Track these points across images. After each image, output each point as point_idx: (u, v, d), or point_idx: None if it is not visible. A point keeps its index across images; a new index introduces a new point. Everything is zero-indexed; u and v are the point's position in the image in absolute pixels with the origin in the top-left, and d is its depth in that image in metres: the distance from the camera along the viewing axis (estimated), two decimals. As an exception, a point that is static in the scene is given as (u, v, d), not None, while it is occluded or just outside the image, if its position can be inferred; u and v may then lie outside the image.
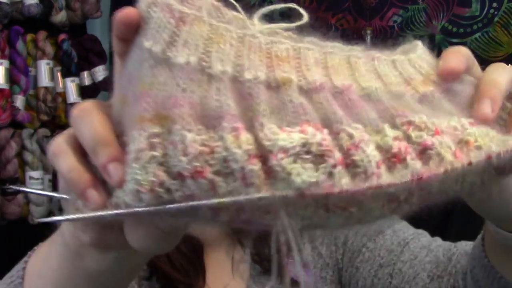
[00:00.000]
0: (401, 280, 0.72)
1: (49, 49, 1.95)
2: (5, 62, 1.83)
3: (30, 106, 1.92)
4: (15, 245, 1.63)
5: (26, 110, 1.90)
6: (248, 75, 0.32)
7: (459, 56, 0.39)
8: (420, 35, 1.88)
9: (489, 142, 0.36)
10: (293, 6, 0.38)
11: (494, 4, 1.86)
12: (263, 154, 0.31)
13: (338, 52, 0.37)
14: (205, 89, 0.32)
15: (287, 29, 0.38)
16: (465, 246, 0.71)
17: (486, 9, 1.86)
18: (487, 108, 0.38)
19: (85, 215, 0.34)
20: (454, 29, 1.89)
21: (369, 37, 1.95)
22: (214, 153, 0.31)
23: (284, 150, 0.31)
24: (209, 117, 0.31)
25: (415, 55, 0.39)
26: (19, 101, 1.87)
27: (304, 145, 0.31)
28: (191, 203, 0.31)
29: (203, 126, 0.31)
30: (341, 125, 0.33)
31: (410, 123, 0.34)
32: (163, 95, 0.32)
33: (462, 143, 0.35)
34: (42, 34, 1.94)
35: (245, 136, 0.31)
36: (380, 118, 0.34)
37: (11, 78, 1.85)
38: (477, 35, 1.86)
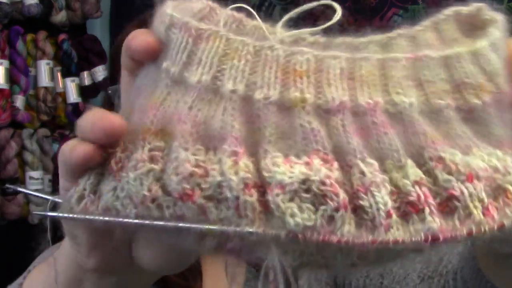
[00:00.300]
0: (391, 280, 0.72)
1: (49, 49, 1.94)
2: (5, 62, 1.83)
3: (30, 106, 1.92)
4: (15, 245, 1.63)
5: (26, 110, 1.89)
6: (258, 95, 0.30)
7: None
8: (420, 35, 1.88)
9: None
10: (327, 2, 0.34)
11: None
12: (262, 184, 0.29)
13: (372, 55, 0.31)
14: (214, 108, 0.30)
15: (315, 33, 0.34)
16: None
17: (486, 9, 1.86)
18: None
19: (77, 216, 0.33)
20: (454, 29, 1.89)
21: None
22: (208, 177, 0.28)
23: (282, 185, 0.28)
24: (212, 137, 0.29)
25: (485, 45, 0.31)
26: (19, 101, 1.87)
27: (304, 182, 0.28)
28: (179, 224, 0.29)
29: (203, 147, 0.29)
30: (354, 159, 0.29)
31: (439, 159, 0.29)
32: (171, 111, 0.30)
33: (500, 191, 0.29)
34: (42, 34, 1.94)
35: (245, 163, 0.29)
36: (406, 148, 0.30)
37: (11, 78, 1.85)
38: (477, 35, 1.86)
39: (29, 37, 1.93)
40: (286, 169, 0.28)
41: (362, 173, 0.29)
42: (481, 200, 0.29)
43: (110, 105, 0.74)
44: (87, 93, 2.00)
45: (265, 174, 0.28)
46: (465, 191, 0.29)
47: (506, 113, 0.31)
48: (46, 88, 1.92)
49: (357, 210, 0.28)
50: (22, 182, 1.88)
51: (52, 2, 1.94)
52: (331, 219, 0.28)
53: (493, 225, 0.28)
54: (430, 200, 0.29)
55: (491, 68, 0.31)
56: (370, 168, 0.29)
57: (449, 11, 0.34)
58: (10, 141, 1.84)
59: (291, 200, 0.28)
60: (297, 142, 0.29)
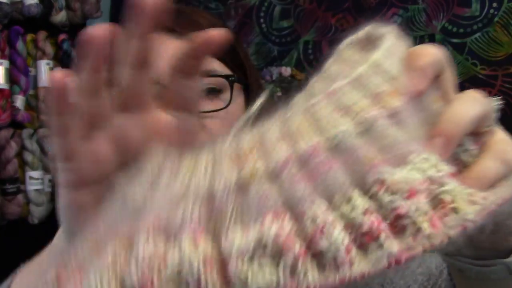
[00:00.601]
0: None
1: (49, 49, 1.95)
2: (5, 62, 1.83)
3: (30, 106, 1.92)
4: (15, 245, 1.63)
5: (26, 110, 1.90)
6: (219, 187, 0.30)
7: (422, 72, 0.34)
8: (420, 35, 1.88)
9: (468, 203, 0.31)
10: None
11: (494, 4, 1.86)
12: (223, 261, 0.28)
13: (296, 110, 0.33)
14: (177, 207, 0.30)
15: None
16: None
17: (486, 9, 1.86)
18: (439, 148, 0.33)
19: None
20: (454, 29, 1.89)
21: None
22: (167, 262, 0.28)
23: (239, 252, 0.28)
24: (172, 228, 0.29)
25: (380, 54, 0.33)
26: (19, 101, 1.87)
27: (259, 241, 0.28)
28: None
29: (164, 237, 0.29)
30: (303, 206, 0.29)
31: (381, 182, 0.30)
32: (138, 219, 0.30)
33: (437, 202, 0.30)
34: (42, 34, 1.94)
35: (204, 243, 0.28)
36: (351, 178, 0.30)
37: (11, 78, 1.85)
38: (477, 35, 1.87)
39: (29, 37, 1.93)
40: (242, 237, 0.28)
41: (313, 217, 0.29)
42: (425, 213, 0.29)
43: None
44: (87, 93, 2.00)
45: (224, 249, 0.28)
46: (410, 207, 0.29)
47: (413, 109, 0.33)
48: (46, 88, 1.92)
49: (317, 255, 0.28)
50: (22, 182, 1.88)
51: (52, 2, 1.95)
52: (293, 271, 0.28)
53: (442, 236, 0.29)
54: (382, 225, 0.29)
55: (391, 72, 0.33)
56: (320, 210, 0.29)
57: (346, 41, 0.37)
58: (10, 141, 1.84)
59: (251, 263, 0.28)
60: (253, 212, 0.29)
